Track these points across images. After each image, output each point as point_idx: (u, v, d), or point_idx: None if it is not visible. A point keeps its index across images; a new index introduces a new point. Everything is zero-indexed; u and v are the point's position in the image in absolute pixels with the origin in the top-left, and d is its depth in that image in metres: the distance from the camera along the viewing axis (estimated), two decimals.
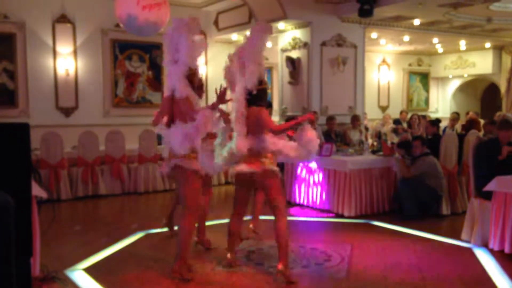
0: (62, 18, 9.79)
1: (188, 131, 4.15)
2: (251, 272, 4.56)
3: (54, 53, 9.74)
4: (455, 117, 10.89)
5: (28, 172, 2.23)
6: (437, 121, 8.52)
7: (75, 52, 9.93)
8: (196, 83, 4.46)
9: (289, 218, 6.83)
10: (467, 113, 11.99)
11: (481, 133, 8.09)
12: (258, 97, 4.38)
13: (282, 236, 4.28)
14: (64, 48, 9.82)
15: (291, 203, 7.76)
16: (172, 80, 4.32)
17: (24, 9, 9.44)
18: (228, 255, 4.68)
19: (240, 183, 4.56)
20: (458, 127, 10.57)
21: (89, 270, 4.64)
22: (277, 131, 4.39)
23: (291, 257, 4.98)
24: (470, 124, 8.35)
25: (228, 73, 4.63)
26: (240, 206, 4.67)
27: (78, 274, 4.55)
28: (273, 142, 4.37)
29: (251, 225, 5.73)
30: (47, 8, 9.64)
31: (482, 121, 11.28)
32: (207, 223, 5.55)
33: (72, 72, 9.79)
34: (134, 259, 5.01)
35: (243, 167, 4.31)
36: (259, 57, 4.38)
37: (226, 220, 6.60)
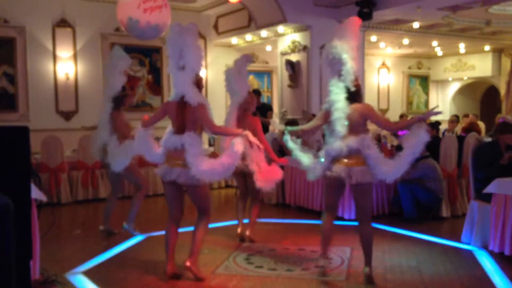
0: (62, 23, 9.84)
1: (226, 163, 4.08)
2: (251, 275, 4.56)
3: (54, 57, 9.78)
4: (454, 119, 10.89)
5: (27, 175, 2.24)
6: (437, 123, 8.52)
7: (75, 56, 9.96)
8: (200, 89, 4.41)
9: (290, 220, 6.84)
10: (466, 116, 11.99)
11: (483, 136, 8.11)
12: (356, 94, 4.21)
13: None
14: (64, 52, 9.85)
15: (291, 206, 7.76)
16: (180, 87, 4.24)
17: (24, 14, 9.48)
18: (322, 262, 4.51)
19: (331, 185, 4.35)
20: (458, 129, 10.57)
21: (89, 274, 4.63)
22: (394, 128, 4.47)
23: (292, 260, 4.99)
24: (470, 127, 8.36)
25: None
26: (332, 209, 4.51)
27: (78, 277, 4.54)
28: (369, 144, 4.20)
29: (247, 232, 5.68)
30: (47, 12, 9.68)
31: (481, 123, 11.30)
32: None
33: (72, 76, 9.82)
34: (134, 263, 5.00)
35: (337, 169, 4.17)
36: (354, 53, 4.19)
37: (227, 223, 6.61)
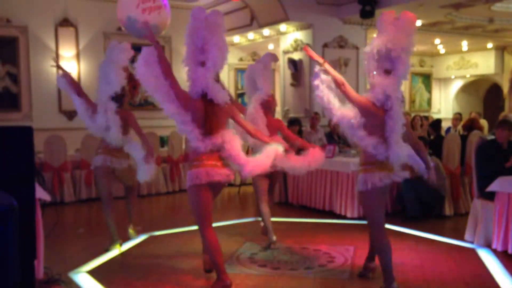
0: (65, 22, 9.85)
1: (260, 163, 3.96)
2: (254, 274, 4.57)
3: (57, 56, 9.78)
4: (457, 117, 10.88)
5: (31, 175, 2.24)
6: (438, 121, 8.50)
7: (77, 56, 9.98)
8: None
9: (293, 219, 6.85)
10: (470, 114, 11.98)
11: (486, 134, 8.08)
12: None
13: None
14: (67, 51, 9.86)
15: (294, 205, 7.77)
16: (201, 84, 3.85)
17: (27, 13, 9.49)
18: None
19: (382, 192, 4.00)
20: (461, 128, 10.56)
21: (93, 273, 4.65)
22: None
23: (295, 259, 4.99)
24: (471, 124, 8.30)
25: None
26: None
27: (82, 276, 4.56)
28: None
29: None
30: (49, 12, 9.69)
31: (484, 121, 11.27)
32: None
33: (75, 76, 9.82)
34: (137, 262, 5.01)
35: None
36: (410, 51, 3.92)
37: (230, 222, 6.62)
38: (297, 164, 4.76)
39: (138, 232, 5.90)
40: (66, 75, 5.54)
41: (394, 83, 3.83)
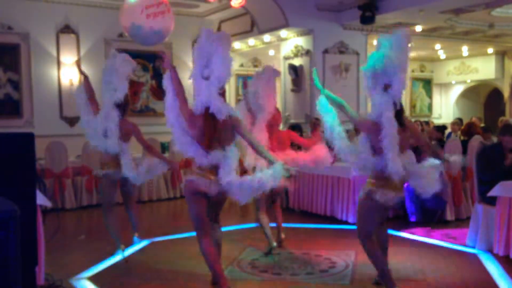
0: (66, 29, 9.89)
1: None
2: (255, 280, 4.56)
3: (58, 63, 9.83)
4: (456, 122, 10.88)
5: (32, 181, 2.25)
6: (443, 127, 8.50)
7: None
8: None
9: (294, 225, 6.84)
10: (471, 119, 11.99)
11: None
12: (402, 112, 4.00)
13: None
14: (68, 58, 9.90)
15: (295, 210, 7.76)
16: (205, 97, 3.88)
17: (28, 20, 9.54)
18: None
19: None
20: (460, 133, 10.56)
21: (94, 279, 4.64)
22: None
23: (296, 264, 4.98)
24: (469, 129, 8.28)
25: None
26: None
27: (83, 283, 4.55)
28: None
29: (283, 235, 5.62)
30: (51, 18, 9.73)
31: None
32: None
33: (76, 82, 9.85)
34: (139, 268, 5.01)
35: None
36: (405, 67, 3.93)
37: (232, 228, 6.61)
38: (307, 160, 5.02)
39: (141, 238, 5.88)
40: (87, 80, 5.51)
41: (387, 101, 3.85)
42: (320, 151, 5.21)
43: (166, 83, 4.07)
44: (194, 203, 3.97)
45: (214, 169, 3.92)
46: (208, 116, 3.90)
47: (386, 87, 3.87)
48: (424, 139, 4.29)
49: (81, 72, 5.70)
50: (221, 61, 3.88)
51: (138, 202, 8.82)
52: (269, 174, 3.78)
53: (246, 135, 4.01)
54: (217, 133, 3.92)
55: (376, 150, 3.88)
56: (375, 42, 12.02)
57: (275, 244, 5.33)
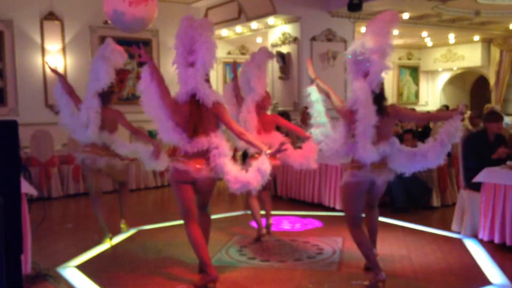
0: (50, 16, 9.74)
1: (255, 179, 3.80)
2: (243, 266, 4.58)
3: (43, 50, 9.69)
4: (442, 109, 10.98)
5: (17, 169, 2.23)
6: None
7: (63, 50, 9.89)
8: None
9: (282, 212, 6.87)
10: (457, 106, 12.08)
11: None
12: (382, 97, 3.94)
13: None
14: (53, 45, 9.77)
15: (283, 198, 7.79)
16: (191, 84, 3.85)
17: (12, 7, 9.37)
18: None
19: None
20: None
21: (81, 268, 4.63)
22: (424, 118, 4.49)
23: (284, 251, 5.01)
24: None
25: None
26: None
27: (70, 271, 4.54)
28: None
29: (270, 221, 5.62)
30: (35, 5, 9.58)
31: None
32: None
33: (61, 70, 9.74)
34: (126, 256, 5.01)
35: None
36: (386, 52, 3.86)
37: (220, 215, 6.62)
38: (300, 158, 5.10)
39: (129, 227, 5.88)
40: (61, 78, 5.50)
41: (363, 87, 3.84)
42: (310, 150, 5.14)
43: (144, 75, 3.99)
44: (180, 191, 3.97)
45: (200, 156, 3.90)
46: (194, 103, 3.88)
47: (366, 74, 3.88)
48: (416, 115, 4.38)
49: (55, 72, 5.64)
50: (206, 47, 3.83)
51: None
52: (257, 167, 3.79)
53: (231, 123, 3.98)
54: (202, 120, 3.90)
55: (354, 136, 3.92)
56: (363, 30, 12.05)
57: (264, 230, 5.35)
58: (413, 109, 4.34)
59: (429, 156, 3.85)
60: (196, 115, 3.90)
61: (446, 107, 11.47)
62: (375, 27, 3.90)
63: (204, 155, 3.91)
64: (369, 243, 4.11)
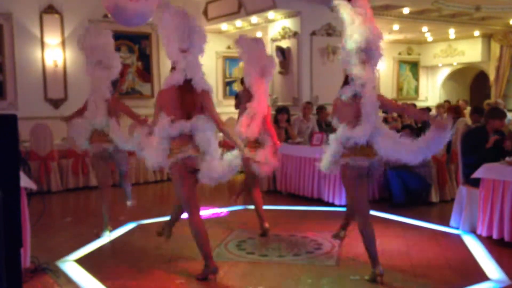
0: (50, 9, 9.71)
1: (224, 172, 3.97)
2: (242, 261, 4.59)
3: (42, 44, 9.66)
4: (442, 105, 10.98)
5: (16, 163, 2.22)
6: (428, 110, 8.57)
7: (63, 43, 9.85)
8: None
9: (281, 207, 6.89)
10: (457, 102, 12.07)
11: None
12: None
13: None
14: (52, 39, 9.74)
15: (282, 193, 7.79)
16: (189, 70, 3.94)
17: (11, 0, 9.34)
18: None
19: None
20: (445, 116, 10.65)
21: (81, 262, 4.64)
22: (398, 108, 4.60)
23: (283, 246, 5.02)
24: (454, 112, 8.32)
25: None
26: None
27: (70, 265, 4.55)
28: None
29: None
30: None
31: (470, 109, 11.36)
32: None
33: (60, 63, 9.73)
34: (125, 250, 5.02)
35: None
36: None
37: (219, 210, 6.64)
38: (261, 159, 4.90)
39: (124, 221, 5.94)
40: (73, 118, 5.56)
41: (370, 72, 3.97)
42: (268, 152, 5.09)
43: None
44: (183, 183, 4.00)
45: (185, 140, 3.95)
46: (186, 88, 3.96)
47: (364, 62, 3.99)
48: (391, 103, 4.36)
49: (68, 119, 5.70)
50: (198, 33, 3.98)
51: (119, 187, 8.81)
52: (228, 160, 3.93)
53: (213, 112, 4.03)
54: (194, 104, 3.99)
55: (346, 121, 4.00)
56: None
57: (267, 225, 5.37)
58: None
59: (411, 149, 3.87)
60: (186, 100, 3.97)
61: (448, 102, 11.45)
62: (359, 15, 3.98)
63: (189, 138, 3.97)
64: (373, 235, 4.08)
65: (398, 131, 7.12)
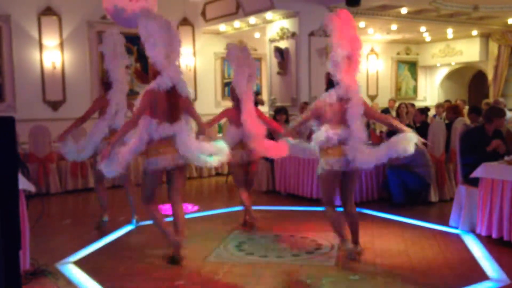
0: (48, 11, 9.70)
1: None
2: (241, 262, 4.59)
3: (40, 46, 9.66)
4: (441, 105, 10.98)
5: (14, 165, 2.22)
6: (426, 109, 8.57)
7: (61, 45, 9.85)
8: None
9: (280, 207, 6.88)
10: (456, 101, 12.08)
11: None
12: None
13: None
14: (50, 41, 9.74)
15: (281, 193, 7.79)
16: (175, 76, 4.31)
17: (9, 2, 9.34)
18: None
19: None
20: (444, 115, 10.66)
21: (80, 263, 4.63)
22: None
23: (282, 246, 5.02)
24: (453, 112, 8.31)
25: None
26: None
27: (69, 267, 4.54)
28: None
29: (247, 217, 5.73)
30: (32, 0, 9.54)
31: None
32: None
33: (59, 65, 9.72)
34: (124, 252, 5.01)
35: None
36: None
37: (218, 211, 6.64)
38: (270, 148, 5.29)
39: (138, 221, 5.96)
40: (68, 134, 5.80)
41: (353, 78, 4.44)
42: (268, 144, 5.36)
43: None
44: (152, 178, 4.47)
45: (168, 143, 4.30)
46: (172, 93, 4.28)
47: (348, 68, 4.46)
48: (377, 115, 4.79)
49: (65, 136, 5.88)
50: (177, 40, 4.32)
51: (123, 186, 8.80)
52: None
53: (196, 116, 4.48)
54: (177, 108, 4.32)
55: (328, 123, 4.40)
56: (361, 25, 12.03)
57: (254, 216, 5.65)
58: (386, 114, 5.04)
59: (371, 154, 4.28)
60: (174, 104, 4.31)
61: (448, 102, 11.45)
62: (342, 25, 4.45)
63: (169, 140, 4.31)
64: (342, 220, 4.61)
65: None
